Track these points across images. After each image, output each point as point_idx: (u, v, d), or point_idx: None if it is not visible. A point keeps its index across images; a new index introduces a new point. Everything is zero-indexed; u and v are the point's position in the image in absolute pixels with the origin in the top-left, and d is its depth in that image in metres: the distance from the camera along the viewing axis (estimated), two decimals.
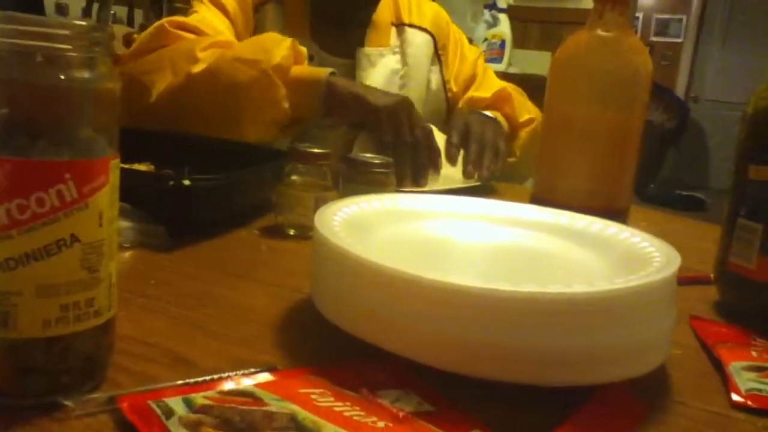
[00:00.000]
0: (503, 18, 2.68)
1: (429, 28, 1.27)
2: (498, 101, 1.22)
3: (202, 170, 0.80)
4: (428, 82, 1.28)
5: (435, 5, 1.33)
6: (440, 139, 1.04)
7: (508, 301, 0.37)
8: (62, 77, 0.33)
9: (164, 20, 1.05)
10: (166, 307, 0.48)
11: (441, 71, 1.29)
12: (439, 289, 0.37)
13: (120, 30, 2.27)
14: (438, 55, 1.29)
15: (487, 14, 2.70)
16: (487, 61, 2.31)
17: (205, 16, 1.10)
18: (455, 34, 1.32)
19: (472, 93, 1.28)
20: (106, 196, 0.34)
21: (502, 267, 0.49)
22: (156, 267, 0.57)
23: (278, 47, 0.93)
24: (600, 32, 0.65)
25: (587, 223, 0.53)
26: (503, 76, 1.48)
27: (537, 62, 3.07)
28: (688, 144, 6.12)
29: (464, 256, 0.51)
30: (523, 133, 1.18)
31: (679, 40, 6.34)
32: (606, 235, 0.50)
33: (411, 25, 1.25)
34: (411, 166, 0.94)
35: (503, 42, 2.67)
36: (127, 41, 2.13)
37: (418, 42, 1.26)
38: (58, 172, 0.32)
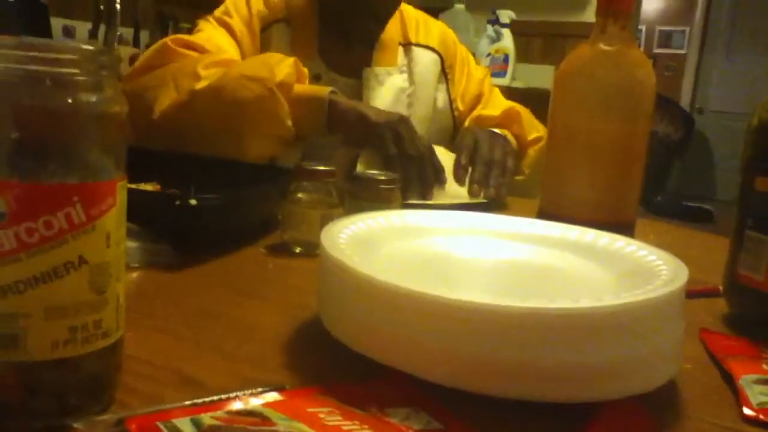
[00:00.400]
0: (506, 33, 2.69)
1: (436, 47, 1.28)
2: (507, 120, 1.22)
3: (208, 189, 0.81)
4: (435, 100, 1.28)
5: (442, 24, 1.34)
6: (448, 158, 1.04)
7: (516, 316, 0.36)
8: (70, 101, 0.33)
9: (168, 38, 1.06)
10: (173, 327, 0.48)
11: (448, 90, 1.30)
12: (445, 306, 0.37)
13: (126, 51, 2.29)
14: (445, 73, 1.30)
15: (489, 29, 2.72)
16: (491, 75, 2.32)
17: (210, 35, 1.11)
18: (462, 53, 1.33)
19: (480, 111, 1.29)
20: (114, 218, 0.35)
21: (510, 282, 0.49)
22: (163, 287, 0.57)
23: (281, 65, 0.94)
24: (603, 46, 0.65)
25: (594, 238, 0.53)
26: (507, 90, 1.49)
27: (540, 76, 3.08)
28: (694, 155, 6.11)
29: (471, 272, 0.51)
30: (532, 152, 1.18)
31: (683, 52, 6.34)
32: (613, 249, 0.50)
33: (418, 45, 1.26)
34: (417, 179, 0.94)
35: (506, 56, 2.68)
36: (133, 62, 2.15)
37: (426, 61, 1.27)
38: (67, 195, 0.32)
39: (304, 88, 0.97)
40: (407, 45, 1.26)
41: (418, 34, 1.27)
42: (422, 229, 0.56)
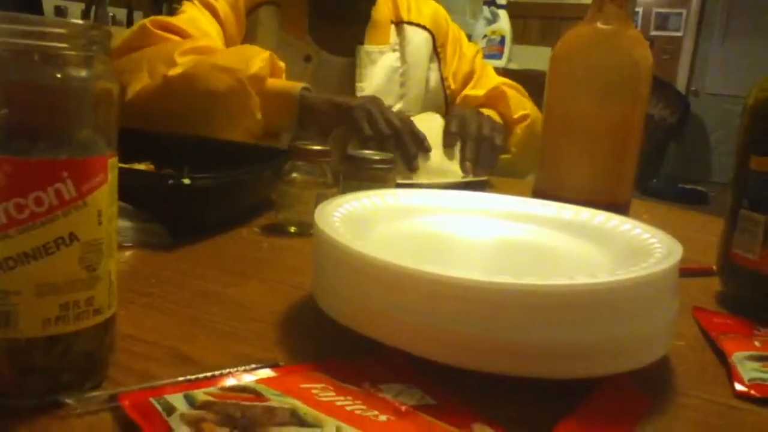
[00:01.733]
0: (503, 14, 2.67)
1: (428, 26, 1.27)
2: (492, 99, 1.22)
3: (202, 169, 0.80)
4: (427, 79, 1.28)
5: (434, 3, 1.33)
6: (438, 125, 1.04)
7: (510, 294, 0.36)
8: (59, 76, 0.32)
9: (147, 20, 1.05)
10: (166, 306, 0.48)
11: (440, 68, 1.29)
12: (439, 283, 0.37)
13: (119, 32, 2.26)
14: (437, 52, 1.29)
15: (486, 11, 2.70)
16: (487, 57, 2.31)
17: (193, 16, 1.10)
18: (454, 32, 1.32)
19: (467, 91, 1.29)
20: (105, 195, 0.34)
21: (504, 261, 0.49)
22: (157, 266, 0.57)
23: (256, 58, 0.95)
24: (600, 25, 0.64)
25: (589, 216, 0.53)
26: (503, 72, 1.48)
27: (537, 57, 3.06)
28: (690, 138, 6.10)
29: (465, 251, 0.51)
30: (518, 130, 1.16)
31: (679, 34, 6.32)
32: (608, 228, 0.50)
33: (410, 23, 1.25)
34: (399, 155, 0.94)
35: (503, 38, 2.67)
36: None
37: (417, 40, 1.26)
38: (57, 170, 0.32)
39: (276, 83, 0.97)
40: (399, 24, 1.25)
41: (410, 12, 1.26)
42: (416, 209, 0.56)
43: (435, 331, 0.38)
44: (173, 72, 0.94)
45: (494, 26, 2.67)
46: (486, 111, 1.14)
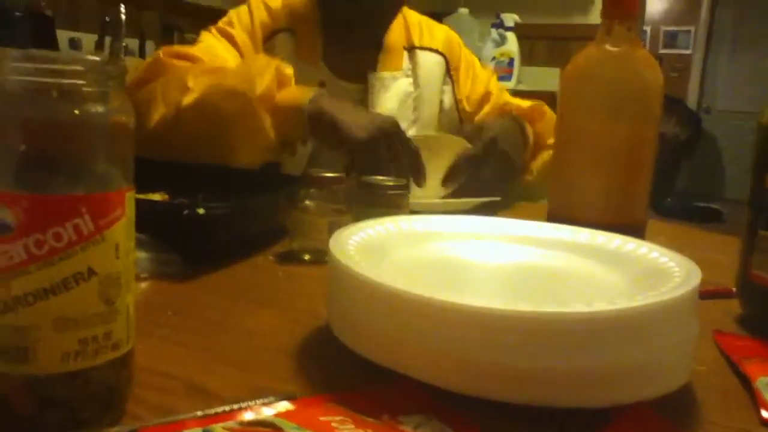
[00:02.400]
0: (510, 36, 2.69)
1: (441, 49, 1.29)
2: (534, 113, 1.20)
3: (215, 198, 0.81)
4: (441, 102, 1.28)
5: (446, 28, 1.34)
6: (457, 145, 1.04)
7: (528, 321, 0.36)
8: (76, 112, 0.33)
9: (160, 50, 1.06)
10: (183, 337, 0.48)
11: (453, 91, 1.30)
12: (458, 312, 0.37)
13: (132, 62, 2.30)
14: (450, 75, 1.30)
15: (494, 33, 2.72)
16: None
17: (209, 44, 1.12)
18: (467, 57, 1.33)
19: (508, 99, 1.28)
20: (123, 228, 0.35)
21: (521, 287, 0.48)
22: (173, 297, 0.57)
23: (262, 76, 0.94)
24: (609, 47, 0.65)
25: (606, 240, 0.53)
26: (513, 93, 1.48)
27: (545, 78, 3.07)
28: (702, 155, 6.08)
29: (482, 277, 0.51)
30: (545, 154, 1.16)
31: (688, 52, 6.32)
32: (625, 252, 0.50)
33: (422, 48, 1.26)
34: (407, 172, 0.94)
35: (512, 60, 2.68)
36: None
37: (430, 63, 1.27)
38: (75, 206, 0.32)
39: (285, 96, 0.96)
40: (411, 49, 1.26)
41: (422, 37, 1.27)
42: (431, 234, 0.56)
43: (454, 360, 0.37)
44: (186, 101, 0.94)
45: (502, 48, 2.69)
46: (524, 124, 1.14)
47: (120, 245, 0.34)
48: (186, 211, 0.62)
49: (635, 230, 0.65)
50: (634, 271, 0.46)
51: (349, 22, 1.17)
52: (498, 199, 1.02)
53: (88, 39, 2.64)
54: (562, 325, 0.36)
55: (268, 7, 1.19)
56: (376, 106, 1.19)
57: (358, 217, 0.74)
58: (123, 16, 2.24)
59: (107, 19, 2.63)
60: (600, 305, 0.37)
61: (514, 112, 1.19)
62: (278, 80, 0.96)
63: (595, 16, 3.08)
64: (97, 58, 0.34)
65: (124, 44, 2.75)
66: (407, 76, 1.24)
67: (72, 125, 0.33)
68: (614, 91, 0.64)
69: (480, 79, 1.31)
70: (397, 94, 1.22)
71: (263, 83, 0.94)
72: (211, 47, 1.12)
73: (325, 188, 0.72)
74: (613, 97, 0.64)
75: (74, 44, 2.54)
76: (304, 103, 0.95)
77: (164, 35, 2.95)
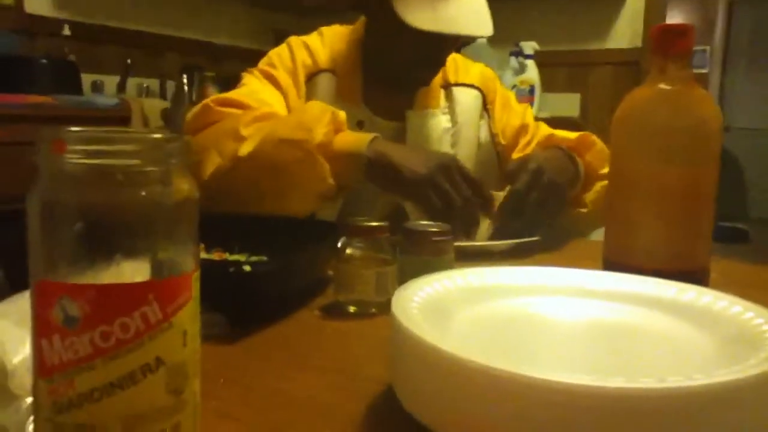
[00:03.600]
0: (530, 64, 2.68)
1: (477, 84, 1.28)
2: (581, 145, 1.16)
3: (251, 248, 0.79)
4: (478, 137, 1.27)
5: (481, 65, 1.33)
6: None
7: (623, 399, 0.33)
8: (142, 194, 0.31)
9: (209, 99, 1.06)
10: (238, 412, 0.46)
11: (489, 125, 1.28)
12: (542, 388, 0.34)
13: (155, 104, 2.31)
14: (486, 109, 1.28)
15: (513, 61, 2.71)
16: None
17: (253, 89, 1.12)
18: (503, 91, 1.32)
19: (552, 131, 1.26)
20: (189, 312, 0.33)
21: (605, 351, 0.45)
22: (222, 363, 0.54)
23: (319, 124, 0.94)
24: (663, 86, 0.62)
25: (695, 296, 0.49)
26: (527, 108, 1.46)
27: (566, 104, 3.05)
28: (724, 174, 5.98)
29: (558, 340, 0.47)
30: (599, 186, 1.12)
31: (705, 71, 6.29)
32: (715, 310, 0.46)
33: (458, 84, 1.25)
34: (461, 223, 0.92)
35: (532, 87, 2.67)
36: (165, 116, 2.17)
37: (467, 99, 1.26)
38: (143, 294, 0.30)
39: (342, 143, 0.96)
40: (447, 87, 1.25)
41: (457, 74, 1.26)
42: (501, 288, 0.53)
43: None
44: (243, 150, 0.95)
45: (522, 76, 2.68)
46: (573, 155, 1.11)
47: (187, 331, 0.32)
48: (232, 269, 0.60)
49: (698, 275, 0.62)
50: (724, 334, 0.43)
51: (402, 65, 1.16)
52: (537, 239, 1.00)
53: (111, 81, 2.67)
54: (657, 402, 0.33)
55: (308, 49, 1.19)
56: (413, 143, 1.18)
57: (403, 267, 0.72)
58: (185, 83, 2.25)
59: (128, 61, 2.65)
60: (698, 378, 0.34)
61: (561, 144, 1.16)
62: (335, 127, 0.96)
63: (612, 41, 3.07)
64: (157, 136, 0.33)
65: (145, 85, 2.77)
66: (444, 113, 1.23)
67: (135, 207, 0.31)
68: (671, 132, 0.61)
69: (515, 112, 1.29)
70: (435, 130, 1.21)
71: (321, 131, 0.94)
72: (256, 91, 1.11)
73: (369, 238, 0.70)
74: (671, 138, 0.61)
75: (97, 86, 2.57)
76: (362, 149, 0.95)
77: (183, 73, 2.96)
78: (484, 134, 1.28)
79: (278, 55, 1.18)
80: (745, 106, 6.34)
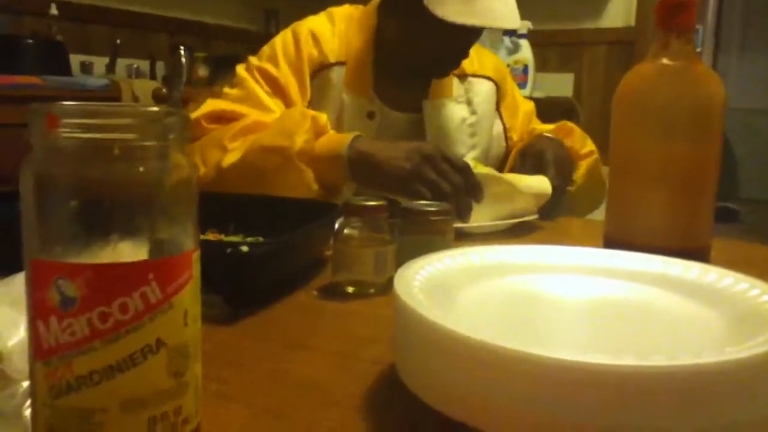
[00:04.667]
0: (524, 43, 2.65)
1: (492, 76, 1.28)
2: (560, 133, 1.21)
3: (247, 228, 0.78)
4: (492, 129, 1.27)
5: (493, 55, 1.33)
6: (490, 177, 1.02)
7: (635, 377, 0.33)
8: (140, 169, 0.30)
9: (201, 114, 1.06)
10: (240, 394, 0.45)
11: (502, 119, 1.29)
12: (552, 367, 0.34)
13: (146, 85, 2.28)
14: (499, 103, 1.30)
15: (507, 41, 2.68)
16: None
17: (252, 93, 1.10)
18: (511, 82, 1.34)
19: (535, 125, 1.30)
20: (190, 293, 0.32)
21: (610, 330, 0.44)
22: (220, 344, 0.54)
23: (300, 130, 0.95)
24: (666, 61, 0.61)
25: (700, 273, 0.48)
26: (529, 99, 1.48)
27: (559, 84, 3.04)
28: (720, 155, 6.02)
29: (565, 318, 0.46)
30: (583, 165, 1.17)
31: (698, 50, 6.28)
32: (721, 288, 0.45)
33: (474, 75, 1.25)
34: (455, 209, 0.91)
35: (526, 67, 2.65)
36: (156, 97, 2.14)
37: (485, 90, 1.26)
38: (142, 273, 0.29)
39: (323, 146, 0.97)
40: (463, 76, 1.24)
41: (473, 64, 1.25)
42: (504, 267, 0.52)
43: (541, 418, 0.34)
44: (227, 161, 0.97)
45: (516, 56, 2.65)
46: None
47: (188, 311, 0.31)
48: (230, 250, 0.59)
49: (700, 254, 0.62)
50: (733, 312, 0.42)
51: (423, 65, 1.15)
52: (535, 216, 0.99)
53: (100, 62, 2.63)
54: (672, 380, 0.33)
55: (317, 42, 1.14)
56: (431, 132, 1.18)
57: (402, 246, 0.71)
58: (183, 60, 2.21)
59: (117, 42, 2.62)
60: (709, 356, 0.34)
61: (544, 134, 1.20)
62: (315, 131, 0.97)
63: (606, 21, 3.04)
64: (155, 109, 0.32)
65: (135, 65, 2.73)
66: (459, 102, 1.22)
67: (132, 184, 0.30)
68: (676, 108, 0.60)
69: (525, 113, 1.32)
70: (453, 120, 1.20)
71: (302, 138, 0.95)
72: (254, 96, 1.10)
73: (368, 217, 0.69)
74: (676, 115, 0.60)
75: (86, 67, 2.53)
76: (342, 150, 0.95)
77: (172, 55, 2.92)
78: (497, 128, 1.29)
79: (283, 46, 1.14)
80: (737, 86, 6.34)
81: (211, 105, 1.08)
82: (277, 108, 1.09)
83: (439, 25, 1.02)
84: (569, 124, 1.25)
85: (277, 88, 1.11)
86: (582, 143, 1.20)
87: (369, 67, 1.15)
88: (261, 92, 1.10)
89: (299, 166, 0.94)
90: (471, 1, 1.03)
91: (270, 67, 1.12)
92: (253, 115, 1.05)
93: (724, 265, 0.49)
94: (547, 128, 1.27)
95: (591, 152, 1.19)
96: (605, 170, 0.83)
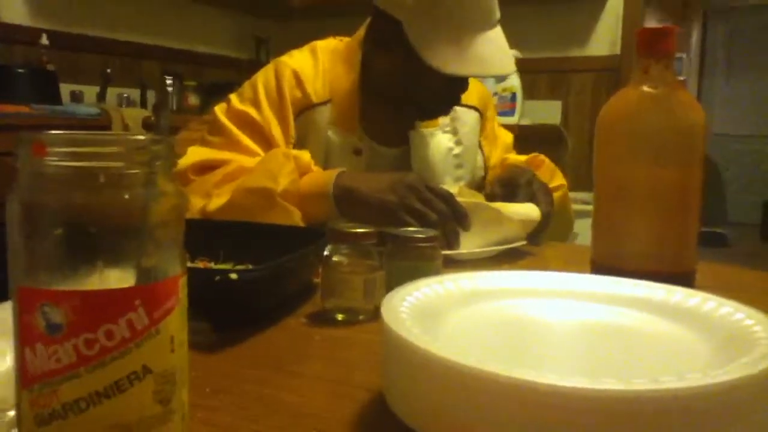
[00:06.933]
0: None
1: (477, 105, 1.29)
2: (532, 165, 1.23)
3: (237, 256, 0.78)
4: (476, 159, 1.30)
5: (478, 82, 1.32)
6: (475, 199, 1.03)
7: (618, 402, 0.33)
8: (125, 197, 0.30)
9: (187, 166, 1.06)
10: (228, 421, 0.45)
11: (482, 147, 1.31)
12: (533, 390, 0.34)
13: (136, 113, 2.29)
14: (482, 131, 1.31)
15: None
16: (500, 114, 2.31)
17: (233, 140, 1.10)
18: (492, 111, 1.35)
19: (508, 155, 1.32)
20: (177, 318, 0.32)
21: (600, 354, 0.44)
22: (208, 371, 0.53)
23: (283, 170, 0.96)
24: (647, 89, 0.62)
25: (683, 297, 0.49)
26: (516, 127, 1.51)
27: (547, 112, 3.08)
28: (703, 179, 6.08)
29: (551, 342, 0.47)
30: (555, 198, 1.17)
31: (682, 78, 6.37)
32: (704, 312, 0.46)
33: (460, 105, 1.23)
34: (441, 237, 0.92)
35: (514, 95, 2.68)
36: (146, 124, 2.15)
37: (471, 121, 1.27)
38: (128, 299, 0.29)
39: (307, 185, 0.98)
40: None
41: None
42: (491, 292, 0.52)
43: None
44: (213, 206, 0.97)
45: (504, 84, 2.69)
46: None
47: (175, 337, 0.32)
48: (218, 277, 0.59)
49: (685, 278, 0.62)
50: (717, 336, 0.42)
51: (399, 99, 1.15)
52: (524, 242, 1.00)
53: (90, 91, 2.64)
54: (655, 404, 0.33)
55: (300, 83, 1.13)
56: (417, 163, 1.19)
57: (390, 272, 0.71)
58: (170, 88, 2.23)
59: (108, 71, 2.63)
60: (694, 378, 0.34)
61: (518, 164, 1.23)
62: (299, 171, 0.98)
63: (593, 49, 3.09)
64: (142, 137, 0.32)
65: (125, 95, 2.75)
66: (444, 131, 1.23)
67: (118, 211, 0.31)
68: (658, 135, 0.62)
69: (504, 144, 1.34)
70: (438, 150, 1.21)
71: (285, 179, 0.96)
72: (237, 143, 1.10)
73: (356, 244, 0.69)
74: (657, 141, 0.61)
75: (77, 96, 2.54)
76: (328, 188, 0.96)
77: (163, 84, 2.94)
78: (479, 156, 1.30)
79: (265, 88, 1.13)
80: (722, 112, 6.43)
81: (195, 154, 1.08)
82: (261, 151, 1.10)
83: (436, 74, 1.02)
84: (540, 156, 1.26)
85: (260, 133, 1.11)
86: (551, 177, 1.20)
87: (356, 104, 1.15)
88: (243, 138, 1.10)
89: (285, 207, 0.95)
90: (463, 46, 1.02)
91: (252, 111, 1.11)
92: (237, 160, 1.06)
93: (709, 289, 0.50)
94: (519, 159, 1.28)
95: (560, 186, 1.21)
96: (587, 196, 0.85)
